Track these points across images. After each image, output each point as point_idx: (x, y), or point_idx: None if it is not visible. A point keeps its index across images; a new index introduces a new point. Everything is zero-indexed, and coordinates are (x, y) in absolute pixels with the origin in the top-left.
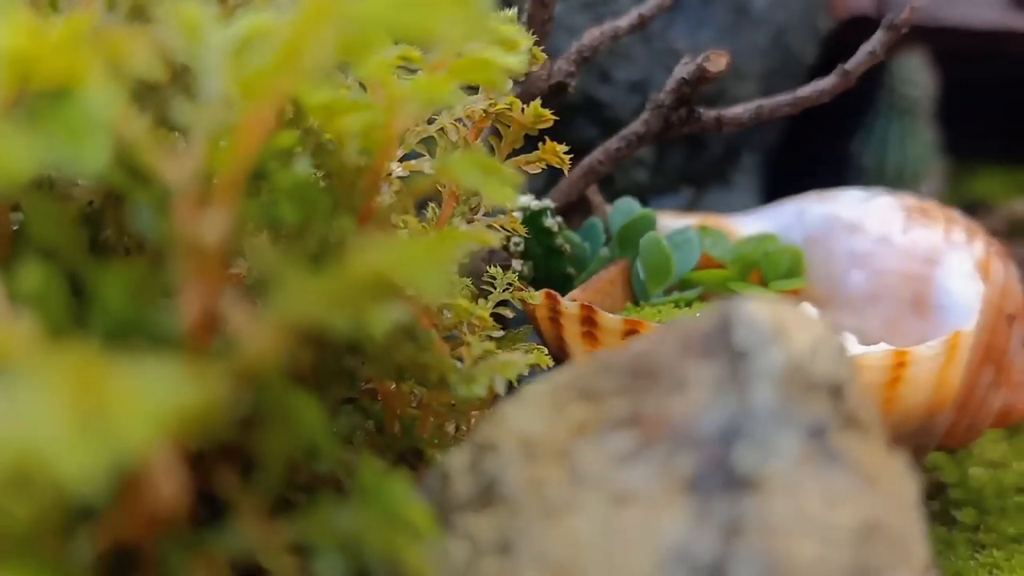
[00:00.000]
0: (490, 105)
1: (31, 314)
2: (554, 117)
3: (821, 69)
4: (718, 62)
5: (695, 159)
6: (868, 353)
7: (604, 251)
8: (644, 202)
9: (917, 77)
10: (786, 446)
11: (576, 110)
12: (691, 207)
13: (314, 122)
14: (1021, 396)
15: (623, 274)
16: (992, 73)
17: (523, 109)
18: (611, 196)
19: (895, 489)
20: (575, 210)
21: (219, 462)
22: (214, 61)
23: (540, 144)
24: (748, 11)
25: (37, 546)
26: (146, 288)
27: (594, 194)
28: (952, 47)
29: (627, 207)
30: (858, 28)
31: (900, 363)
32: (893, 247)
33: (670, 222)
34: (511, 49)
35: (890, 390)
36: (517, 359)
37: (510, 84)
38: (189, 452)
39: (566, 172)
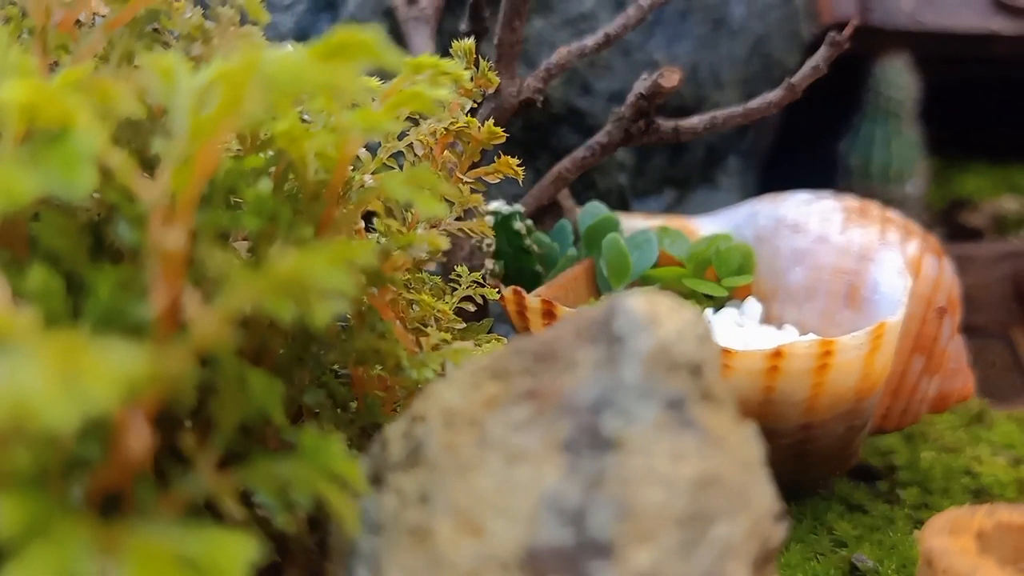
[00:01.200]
0: (451, 124)
1: (34, 306)
2: (506, 135)
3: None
4: (671, 78)
5: (676, 163)
6: (797, 342)
7: (572, 251)
8: (626, 204)
9: (900, 80)
10: (645, 414)
11: (560, 120)
12: (674, 208)
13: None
14: (956, 383)
15: (588, 272)
16: (977, 75)
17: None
18: (594, 198)
19: (739, 451)
20: (548, 213)
21: (183, 425)
22: (182, 103)
23: (496, 157)
24: (726, 23)
25: (40, 487)
26: (130, 286)
27: (565, 199)
28: (936, 50)
29: (594, 210)
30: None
31: (827, 351)
32: (830, 245)
33: (636, 223)
34: (457, 79)
35: (819, 376)
36: (468, 347)
37: (468, 105)
38: (158, 417)
39: (520, 182)
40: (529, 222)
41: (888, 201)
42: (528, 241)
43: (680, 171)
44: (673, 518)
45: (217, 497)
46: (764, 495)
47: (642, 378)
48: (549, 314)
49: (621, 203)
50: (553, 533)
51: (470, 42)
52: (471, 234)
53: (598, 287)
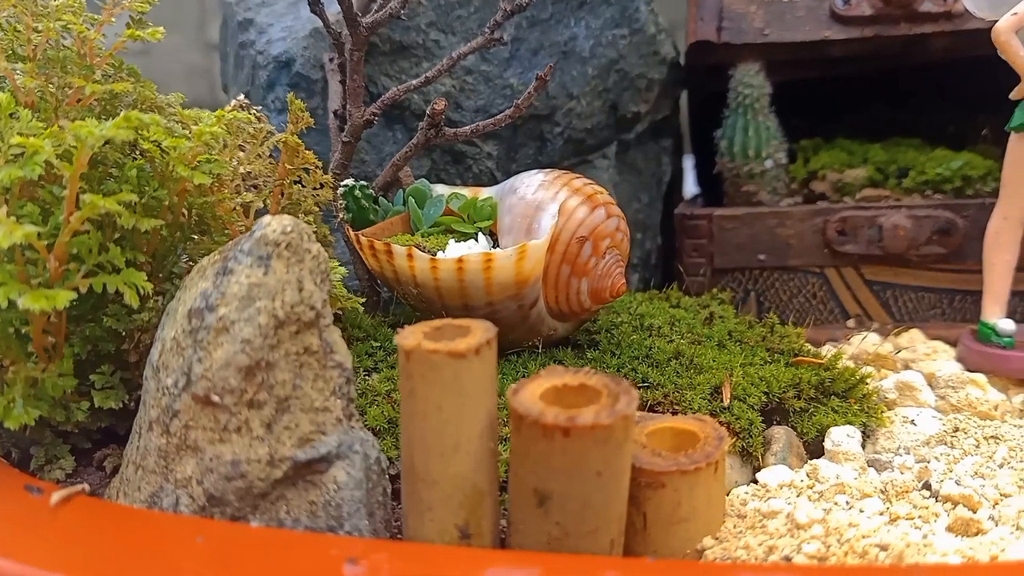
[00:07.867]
0: (284, 136)
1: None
2: (302, 141)
3: (683, 83)
4: (439, 105)
5: (542, 151)
6: (471, 254)
7: (401, 208)
8: (496, 182)
9: (753, 81)
10: (245, 261)
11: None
12: None
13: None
14: (603, 285)
15: (406, 219)
16: (822, 72)
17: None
18: (469, 179)
19: (283, 277)
20: (393, 186)
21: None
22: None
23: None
24: (574, 53)
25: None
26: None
27: (407, 176)
28: (783, 56)
29: (418, 184)
30: (703, 50)
31: (489, 259)
32: (525, 201)
33: (453, 191)
34: (249, 120)
35: (487, 273)
36: None
37: (296, 127)
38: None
39: (322, 175)
40: (370, 191)
41: (750, 174)
42: (366, 203)
43: (546, 157)
44: (239, 297)
45: (97, 269)
46: (294, 295)
47: (249, 247)
48: (357, 240)
49: (493, 182)
50: (198, 303)
51: (292, 95)
52: (321, 199)
53: (411, 229)
